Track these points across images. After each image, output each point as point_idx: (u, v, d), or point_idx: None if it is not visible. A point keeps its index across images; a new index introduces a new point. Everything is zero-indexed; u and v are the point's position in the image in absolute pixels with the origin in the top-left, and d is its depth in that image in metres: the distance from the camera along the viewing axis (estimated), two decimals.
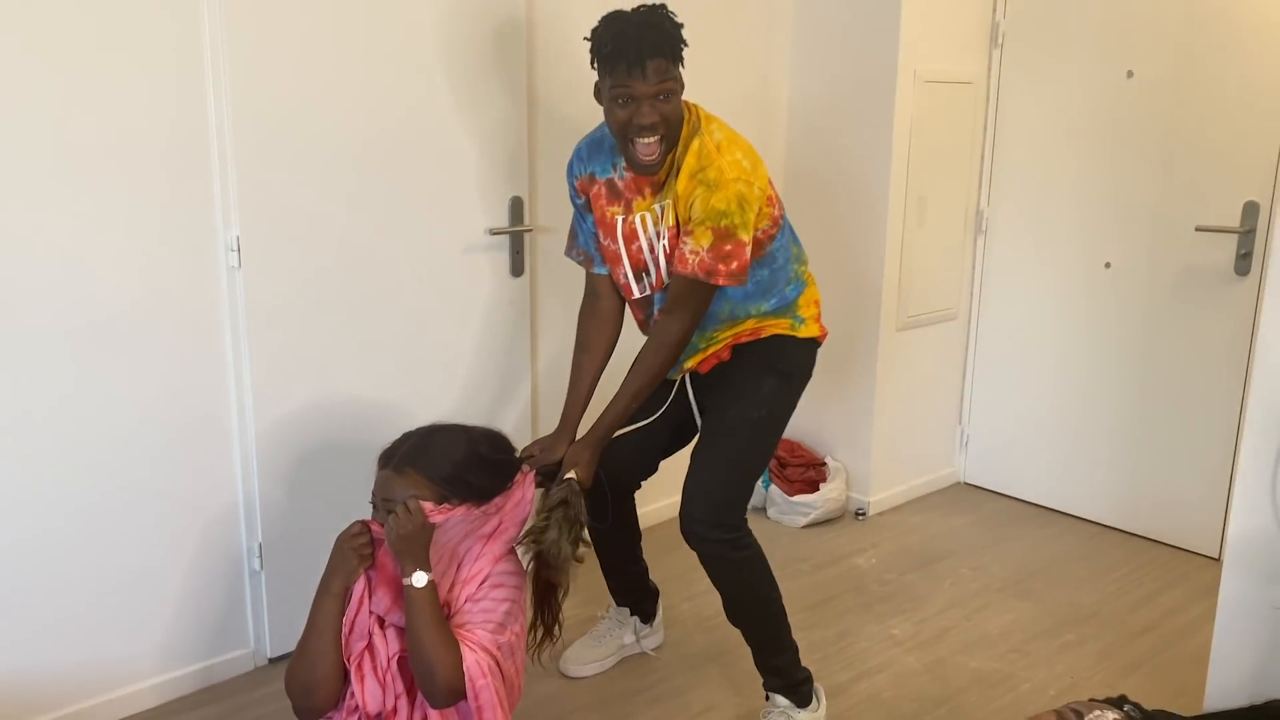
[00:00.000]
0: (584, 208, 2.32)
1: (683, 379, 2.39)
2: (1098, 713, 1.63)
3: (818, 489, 3.53)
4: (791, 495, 3.50)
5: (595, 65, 2.06)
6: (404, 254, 2.68)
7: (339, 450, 2.65)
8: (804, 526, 3.51)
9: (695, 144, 2.09)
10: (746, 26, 3.41)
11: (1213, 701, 2.21)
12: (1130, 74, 3.30)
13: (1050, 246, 3.59)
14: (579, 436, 2.30)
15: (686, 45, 2.07)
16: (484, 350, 2.89)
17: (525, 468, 2.08)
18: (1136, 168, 3.33)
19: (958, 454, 3.95)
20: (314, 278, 2.53)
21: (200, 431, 2.44)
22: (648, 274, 2.23)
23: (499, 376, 2.94)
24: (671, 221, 2.13)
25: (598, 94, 2.10)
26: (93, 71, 2.15)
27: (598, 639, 2.69)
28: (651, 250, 2.18)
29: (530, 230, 2.93)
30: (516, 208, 2.88)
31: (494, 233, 2.84)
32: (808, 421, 3.66)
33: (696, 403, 2.38)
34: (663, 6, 2.06)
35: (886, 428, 3.61)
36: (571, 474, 2.15)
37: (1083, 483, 3.61)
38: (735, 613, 2.32)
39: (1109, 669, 2.67)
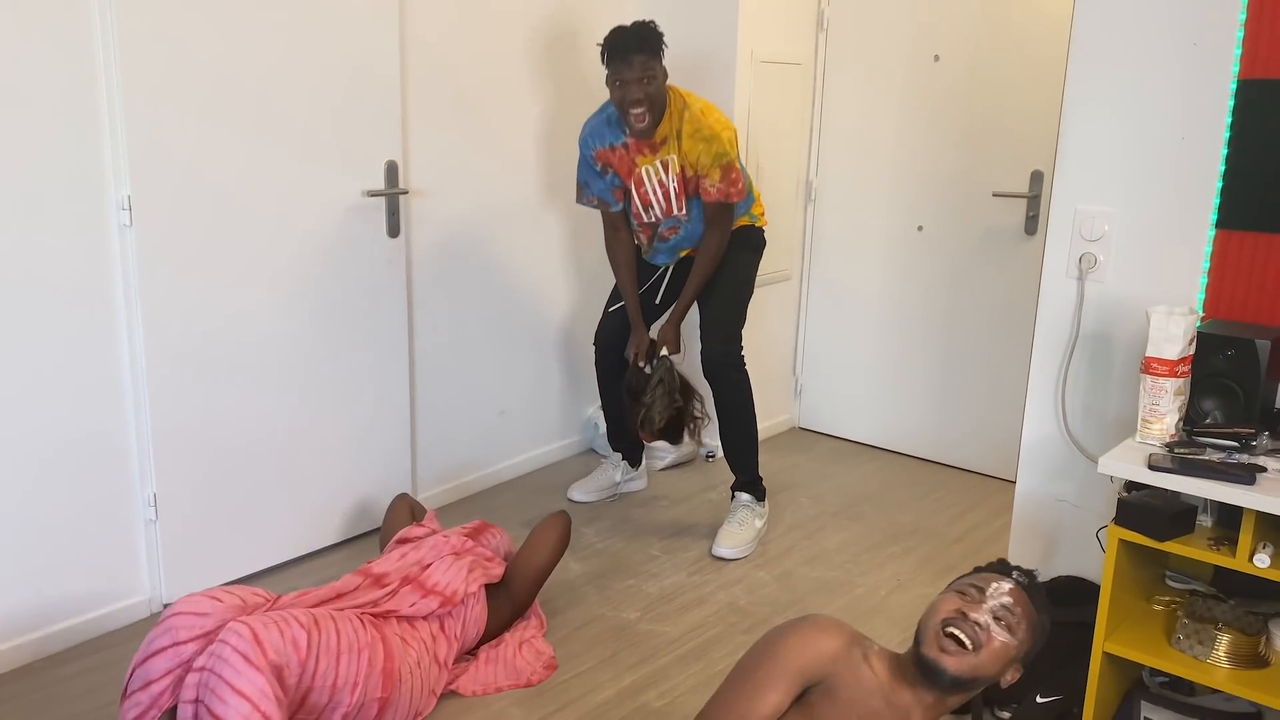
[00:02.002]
0: (601, 171, 3.14)
1: (666, 267, 3.33)
2: (995, 584, 1.72)
3: None
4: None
5: (604, 62, 2.92)
6: (286, 214, 2.80)
7: (230, 403, 2.76)
8: (662, 469, 3.83)
9: (687, 114, 2.98)
10: (598, 9, 3.66)
11: None
12: (937, 58, 3.75)
13: (870, 213, 4.02)
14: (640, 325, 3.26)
15: (667, 46, 2.95)
16: (365, 305, 3.05)
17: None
18: (943, 142, 3.79)
19: (793, 402, 4.36)
20: (204, 236, 2.63)
21: (93, 387, 2.51)
22: (652, 208, 3.12)
23: (379, 330, 3.10)
24: (677, 170, 3.03)
25: (607, 81, 2.94)
26: None
27: (596, 476, 3.61)
28: (654, 192, 3.08)
29: (405, 193, 3.09)
30: (392, 171, 3.05)
31: (370, 194, 2.99)
32: None
33: (668, 285, 3.34)
34: (650, 20, 2.95)
35: None
36: (664, 350, 3.15)
37: (901, 422, 4.08)
38: (728, 419, 3.22)
39: (928, 572, 3.10)
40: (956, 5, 3.68)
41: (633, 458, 3.62)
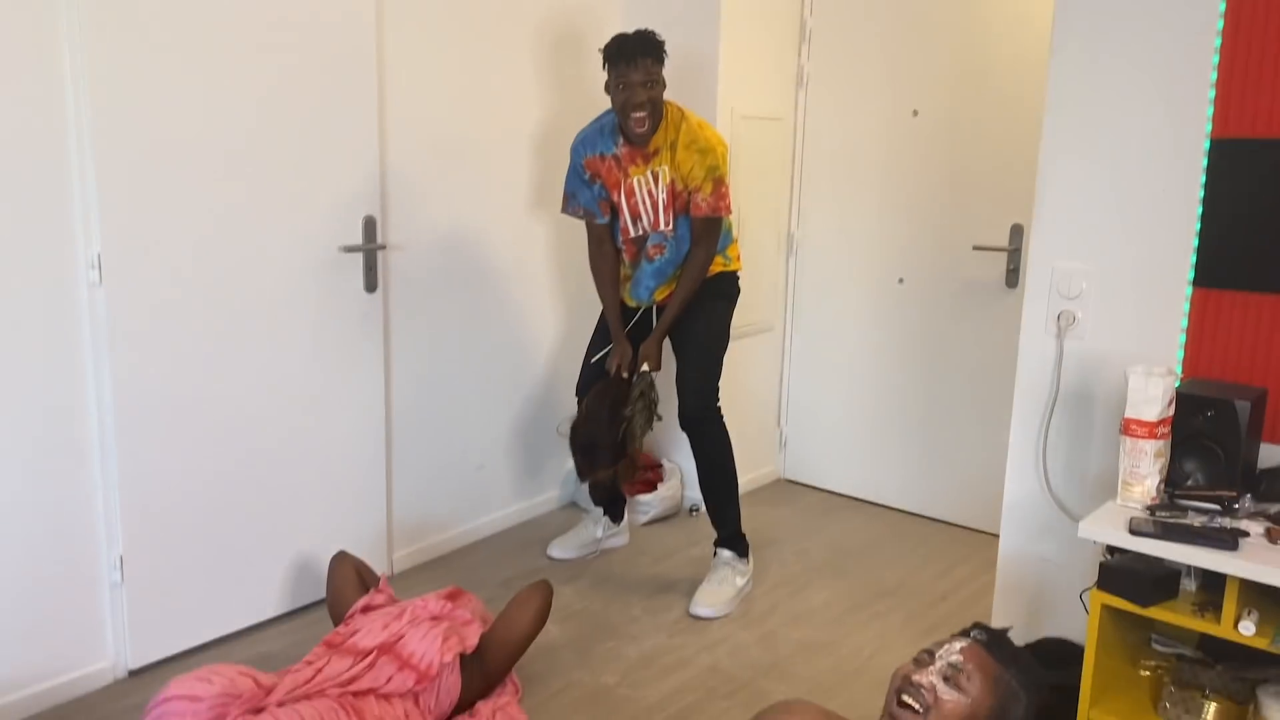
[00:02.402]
0: (589, 180, 3.14)
1: (650, 308, 3.26)
2: (947, 645, 1.77)
3: (655, 489, 3.80)
4: (631, 495, 3.76)
5: (605, 66, 2.96)
6: (261, 270, 2.78)
7: (201, 461, 2.71)
8: (644, 524, 3.78)
9: (684, 126, 3.02)
10: (589, 64, 3.68)
11: None
12: (916, 113, 3.77)
13: (851, 265, 4.02)
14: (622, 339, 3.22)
15: (667, 55, 2.98)
16: (340, 362, 3.01)
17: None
18: (923, 195, 3.80)
19: (778, 453, 4.32)
20: (175, 293, 2.60)
21: (60, 447, 2.46)
22: (640, 220, 3.11)
23: (354, 386, 3.06)
24: (667, 181, 3.03)
25: (607, 87, 2.98)
26: None
27: (576, 532, 3.55)
28: (644, 203, 3.07)
29: (383, 248, 3.08)
30: (370, 226, 3.03)
31: (347, 250, 2.97)
32: None
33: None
34: (650, 30, 2.97)
35: None
36: (645, 365, 3.14)
37: (886, 474, 4.04)
38: (708, 474, 3.22)
39: (913, 632, 3.04)
40: (934, 61, 3.70)
41: (614, 513, 3.57)
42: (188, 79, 2.54)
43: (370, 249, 3.03)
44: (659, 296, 3.22)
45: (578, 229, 3.31)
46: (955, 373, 3.81)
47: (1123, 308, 2.30)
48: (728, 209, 3.07)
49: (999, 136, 3.59)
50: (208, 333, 2.68)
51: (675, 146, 3.00)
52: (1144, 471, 1.97)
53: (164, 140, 2.52)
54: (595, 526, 3.54)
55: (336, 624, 2.57)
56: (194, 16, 2.53)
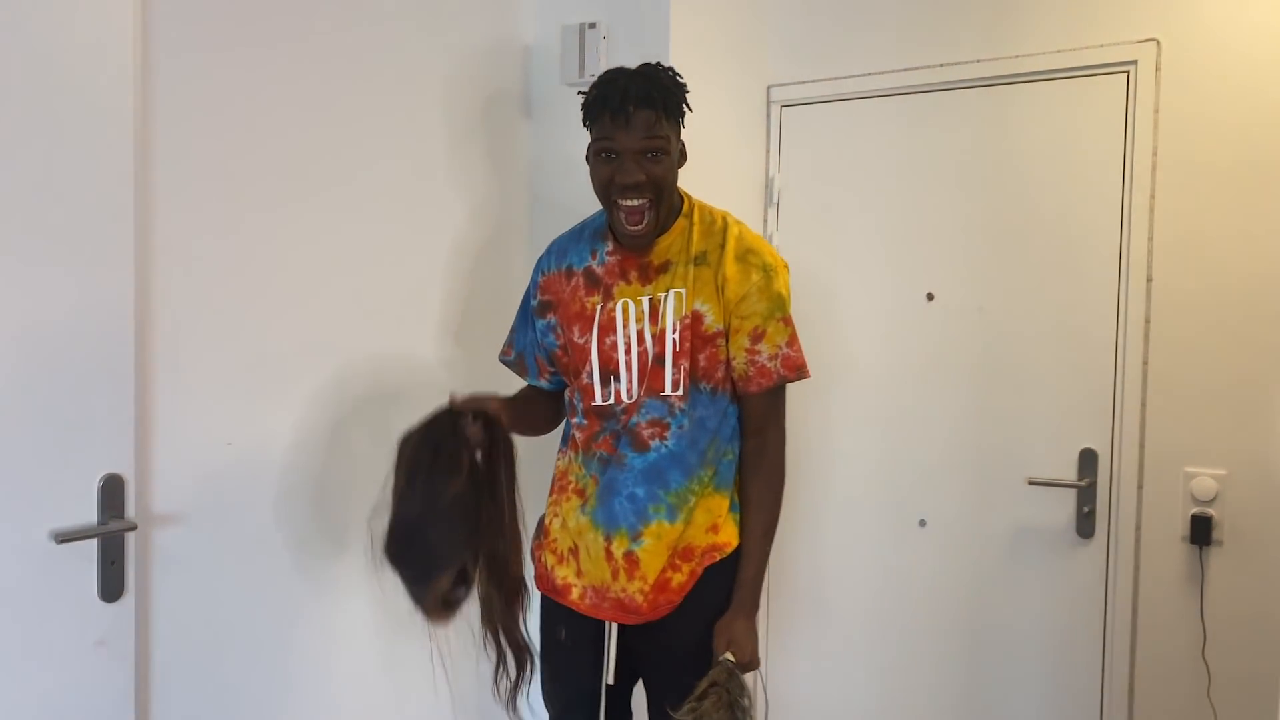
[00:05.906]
0: (537, 310, 2.08)
1: (608, 634, 2.00)
2: None
3: None
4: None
5: (585, 122, 1.90)
6: None
7: None
8: None
9: (733, 229, 1.95)
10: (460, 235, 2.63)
11: None
12: (930, 296, 2.79)
13: (854, 500, 2.94)
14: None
15: (689, 109, 1.92)
16: None
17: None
18: (949, 407, 2.76)
19: None
20: None
21: None
22: (616, 379, 1.93)
23: None
24: (684, 314, 1.89)
25: (587, 156, 1.91)
26: None
27: None
28: (627, 350, 1.92)
29: (133, 528, 1.87)
30: (113, 492, 1.84)
31: (64, 539, 1.77)
32: None
33: (617, 652, 2.00)
34: (664, 65, 1.89)
35: None
36: (728, 654, 1.86)
37: None
38: None
39: None
40: (952, 224, 2.74)
41: None
42: None
43: (111, 532, 1.83)
44: (650, 535, 1.91)
45: None
46: (1005, 654, 2.69)
47: None
48: (806, 367, 1.97)
49: (1055, 326, 2.61)
50: None
51: (720, 257, 1.91)
52: None
53: None
54: None
55: None
56: None
